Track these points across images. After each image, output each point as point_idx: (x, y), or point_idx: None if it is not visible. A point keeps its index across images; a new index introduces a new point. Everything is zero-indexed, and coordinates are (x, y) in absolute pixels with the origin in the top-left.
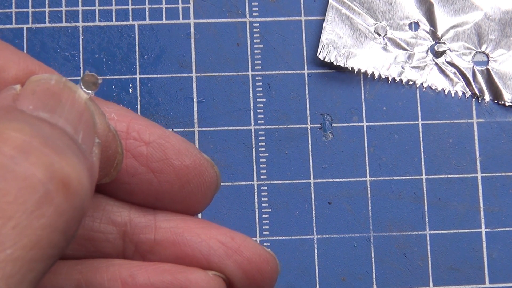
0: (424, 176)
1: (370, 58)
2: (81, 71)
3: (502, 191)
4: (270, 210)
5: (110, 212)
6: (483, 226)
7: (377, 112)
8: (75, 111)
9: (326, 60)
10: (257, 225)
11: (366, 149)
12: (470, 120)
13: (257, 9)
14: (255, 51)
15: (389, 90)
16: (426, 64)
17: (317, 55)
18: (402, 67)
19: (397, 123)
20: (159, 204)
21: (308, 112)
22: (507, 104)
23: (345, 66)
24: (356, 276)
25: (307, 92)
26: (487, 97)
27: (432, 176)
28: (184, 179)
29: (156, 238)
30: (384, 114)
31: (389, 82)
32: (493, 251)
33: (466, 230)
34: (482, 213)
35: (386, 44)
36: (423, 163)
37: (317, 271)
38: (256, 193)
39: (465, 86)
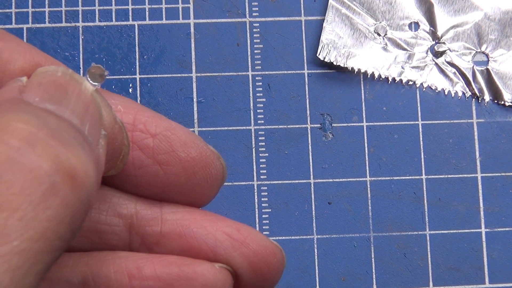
0: (424, 176)
1: (370, 58)
2: (81, 71)
3: (502, 191)
4: (270, 210)
5: (116, 204)
6: (483, 226)
7: (377, 112)
8: (81, 103)
9: (326, 60)
10: (257, 225)
11: (366, 149)
12: (470, 120)
13: (257, 9)
14: (255, 51)
15: (389, 90)
16: (426, 64)
17: (317, 55)
18: (402, 67)
19: (397, 123)
20: (166, 196)
21: (308, 112)
22: (507, 104)
23: (345, 66)
24: (356, 276)
25: (307, 92)
26: (487, 97)
27: (432, 176)
28: (190, 171)
29: (162, 230)
30: (384, 114)
31: (389, 82)
32: (493, 251)
33: (466, 230)
34: (482, 213)
35: (386, 44)
36: (423, 163)
37: (317, 271)
38: (256, 193)
39: (465, 86)
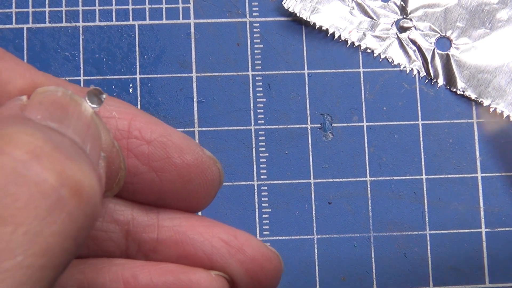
0: (424, 176)
1: (334, 18)
2: (81, 71)
3: (502, 191)
4: (270, 210)
5: (113, 211)
6: (483, 226)
7: (377, 112)
8: (82, 123)
9: (290, 10)
10: (257, 225)
11: (366, 149)
12: (470, 120)
13: (257, 9)
14: (255, 51)
15: (389, 90)
16: (388, 37)
17: (282, 3)
18: (364, 34)
19: (397, 123)
20: (162, 202)
21: (308, 112)
22: (458, 92)
23: (308, 20)
24: (356, 276)
25: (307, 92)
26: (440, 81)
27: (432, 176)
28: (186, 178)
29: (159, 237)
30: (384, 114)
31: (348, 46)
32: (493, 251)
33: (466, 230)
34: (482, 213)
35: (353, 7)
36: (423, 163)
37: (317, 271)
38: (256, 193)
39: (422, 66)
